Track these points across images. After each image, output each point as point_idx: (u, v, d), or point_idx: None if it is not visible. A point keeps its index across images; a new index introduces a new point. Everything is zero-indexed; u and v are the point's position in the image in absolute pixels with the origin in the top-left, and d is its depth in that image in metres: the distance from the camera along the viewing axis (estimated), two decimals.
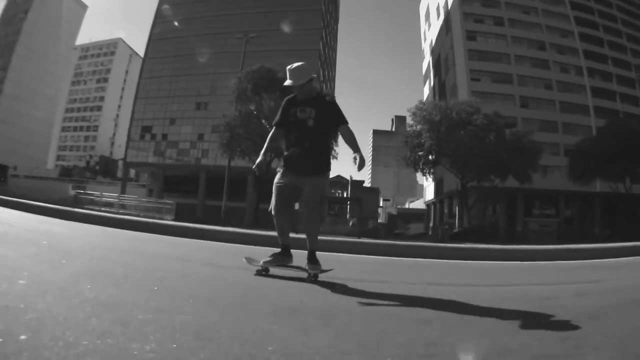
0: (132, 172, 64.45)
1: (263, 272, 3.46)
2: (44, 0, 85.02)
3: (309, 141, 3.41)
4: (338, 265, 3.89)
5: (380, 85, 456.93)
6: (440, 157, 34.17)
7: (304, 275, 3.37)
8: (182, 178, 51.48)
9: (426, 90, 69.67)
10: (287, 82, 3.48)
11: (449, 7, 55.59)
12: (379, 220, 47.71)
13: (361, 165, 3.29)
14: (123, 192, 47.10)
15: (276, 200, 3.43)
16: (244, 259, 3.68)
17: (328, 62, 64.46)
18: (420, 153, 34.70)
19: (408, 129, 36.90)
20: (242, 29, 42.14)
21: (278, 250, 3.55)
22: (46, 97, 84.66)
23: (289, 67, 3.48)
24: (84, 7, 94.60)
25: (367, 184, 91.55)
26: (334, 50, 72.62)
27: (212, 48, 52.15)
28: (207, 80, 53.53)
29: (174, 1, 59.55)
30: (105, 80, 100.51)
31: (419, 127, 34.28)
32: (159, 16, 60.30)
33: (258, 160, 3.52)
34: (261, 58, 36.05)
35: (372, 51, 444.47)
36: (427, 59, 70.16)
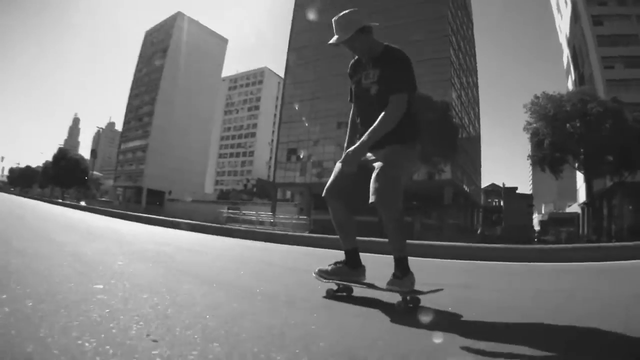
0: (289, 193, 68.22)
1: (335, 292, 2.62)
2: (181, 38, 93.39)
3: (376, 116, 2.45)
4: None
5: (522, 85, 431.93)
6: (565, 154, 31.29)
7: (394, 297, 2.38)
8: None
9: (570, 86, 64.57)
10: (332, 40, 2.58)
11: None
12: (535, 228, 45.62)
13: (347, 162, 2.44)
14: (274, 211, 50.75)
15: (330, 180, 2.65)
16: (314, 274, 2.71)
17: (465, 69, 62.86)
18: (544, 152, 31.84)
19: (527, 127, 34.06)
20: None
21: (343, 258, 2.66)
22: (198, 128, 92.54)
23: (333, 19, 2.59)
24: (225, 41, 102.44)
25: (528, 189, 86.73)
26: (472, 56, 70.27)
27: (345, 68, 54.05)
28: (345, 100, 55.37)
29: (305, 28, 63.11)
30: (257, 107, 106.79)
31: (538, 123, 31.70)
32: (293, 43, 64.51)
33: (344, 154, 2.48)
34: None
35: (510, 52, 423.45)
36: (565, 53, 65.10)
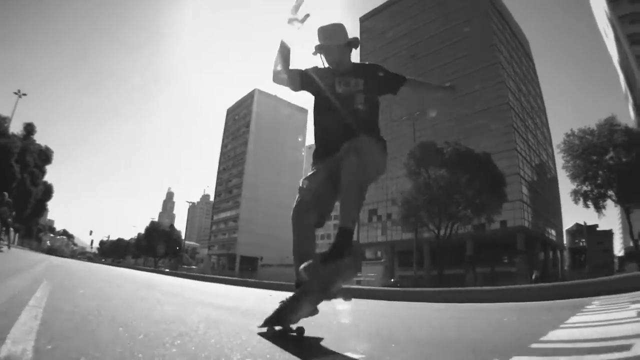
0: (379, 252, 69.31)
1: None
2: (260, 112, 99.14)
3: (357, 122, 2.41)
4: None
5: (595, 115, 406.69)
6: (603, 188, 30.05)
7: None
8: (409, 252, 54.70)
9: (631, 111, 61.08)
10: (321, 43, 2.54)
11: (608, 15, 50.45)
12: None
13: (452, 89, 2.91)
14: (359, 270, 52.09)
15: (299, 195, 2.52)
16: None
17: (530, 110, 62.03)
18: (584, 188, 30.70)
19: (565, 165, 32.56)
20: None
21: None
22: (286, 195, 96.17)
23: (320, 26, 2.57)
24: (304, 111, 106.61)
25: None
26: (537, 96, 68.87)
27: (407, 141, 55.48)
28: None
29: None
30: None
31: (571, 162, 30.56)
32: None
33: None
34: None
35: (574, 84, 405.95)
36: (621, 77, 62.20)
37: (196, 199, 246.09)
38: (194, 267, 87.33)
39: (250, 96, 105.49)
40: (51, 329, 1.72)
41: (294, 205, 2.49)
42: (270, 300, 5.92)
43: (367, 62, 2.71)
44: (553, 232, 58.13)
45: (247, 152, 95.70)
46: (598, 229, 49.13)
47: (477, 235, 43.63)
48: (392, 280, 41.64)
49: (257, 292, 10.24)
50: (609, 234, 53.91)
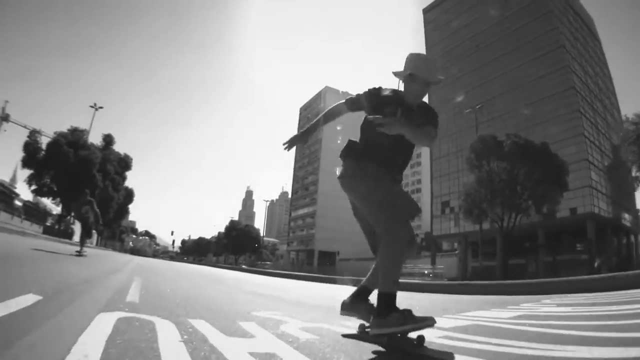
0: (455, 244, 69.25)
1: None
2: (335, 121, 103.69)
3: (394, 152, 2.55)
4: None
5: None
6: None
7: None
8: (483, 243, 54.17)
9: None
10: (421, 73, 2.49)
11: None
12: None
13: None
14: (433, 262, 52.64)
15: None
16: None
17: (598, 93, 58.75)
18: None
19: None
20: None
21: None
22: None
23: (416, 53, 2.57)
24: None
25: None
26: (606, 77, 64.49)
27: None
28: None
29: (441, 85, 66.52)
30: (418, 164, 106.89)
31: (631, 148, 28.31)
32: (433, 101, 68.28)
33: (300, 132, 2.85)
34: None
35: None
36: None
37: (275, 196, 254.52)
38: (267, 263, 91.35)
39: (320, 94, 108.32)
40: (145, 295, 3.68)
41: (398, 213, 2.38)
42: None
43: (431, 107, 2.65)
44: (628, 216, 55.03)
45: (321, 149, 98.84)
46: None
47: (547, 224, 42.72)
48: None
49: (311, 287, 11.67)
50: None
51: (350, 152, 2.64)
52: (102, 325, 1.93)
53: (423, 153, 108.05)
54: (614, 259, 28.44)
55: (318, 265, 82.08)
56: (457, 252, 60.74)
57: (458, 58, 65.30)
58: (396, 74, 2.58)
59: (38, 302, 2.33)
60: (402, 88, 2.61)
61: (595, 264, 26.90)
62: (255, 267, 51.88)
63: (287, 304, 4.83)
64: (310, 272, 42.98)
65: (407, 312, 2.16)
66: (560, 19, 56.12)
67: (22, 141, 43.08)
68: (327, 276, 17.87)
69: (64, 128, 50.17)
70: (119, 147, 62.24)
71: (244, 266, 60.23)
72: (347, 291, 3.01)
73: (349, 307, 2.68)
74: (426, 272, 36.83)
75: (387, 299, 2.23)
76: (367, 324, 2.48)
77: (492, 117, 55.53)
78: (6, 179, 53.72)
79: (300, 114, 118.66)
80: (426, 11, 78.05)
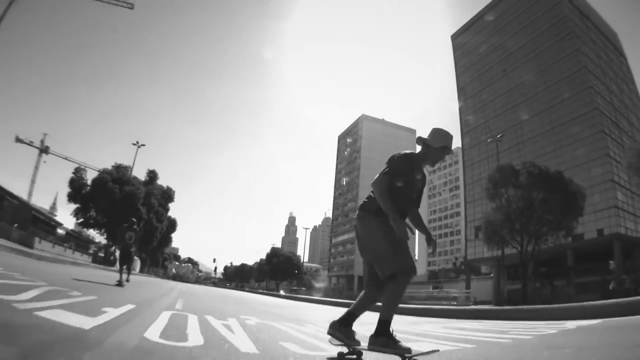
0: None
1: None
2: (369, 137, 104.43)
3: (409, 210, 3.19)
4: None
5: None
6: None
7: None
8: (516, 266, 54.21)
9: None
10: (437, 146, 3.15)
11: None
12: None
13: (434, 247, 3.10)
14: (468, 286, 53.22)
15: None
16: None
17: (625, 110, 57.96)
18: None
19: None
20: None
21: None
22: None
23: (446, 130, 3.21)
24: (413, 132, 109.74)
25: None
26: (633, 93, 63.22)
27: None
28: None
29: (472, 110, 68.00)
30: (457, 187, 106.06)
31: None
32: (465, 126, 69.54)
33: (398, 225, 2.90)
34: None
35: None
36: None
37: (318, 222, 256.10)
38: (303, 289, 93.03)
39: (358, 122, 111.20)
40: (186, 306, 6.53)
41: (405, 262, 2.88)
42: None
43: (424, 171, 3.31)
44: None
45: (360, 176, 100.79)
46: None
47: (575, 246, 42.87)
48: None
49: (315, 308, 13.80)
50: None
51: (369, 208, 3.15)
52: (165, 316, 4.59)
53: (461, 177, 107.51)
54: (626, 280, 28.35)
55: (358, 290, 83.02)
56: (491, 275, 60.86)
57: (487, 83, 66.65)
58: (428, 141, 3.18)
59: (135, 307, 5.00)
60: (418, 149, 3.29)
61: (610, 286, 27.14)
62: (290, 294, 53.73)
63: (264, 314, 7.46)
64: (351, 297, 44.22)
65: (391, 340, 2.76)
66: (583, 39, 56.63)
67: (60, 169, 47.50)
68: (345, 300, 19.06)
69: (104, 157, 53.16)
70: (162, 177, 65.29)
71: (282, 292, 62.13)
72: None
73: (335, 328, 3.01)
74: (456, 294, 37.92)
75: (384, 325, 2.82)
76: (346, 350, 3.00)
77: (522, 141, 56.44)
78: (46, 206, 56.60)
79: (339, 141, 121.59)
80: (454, 37, 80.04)
